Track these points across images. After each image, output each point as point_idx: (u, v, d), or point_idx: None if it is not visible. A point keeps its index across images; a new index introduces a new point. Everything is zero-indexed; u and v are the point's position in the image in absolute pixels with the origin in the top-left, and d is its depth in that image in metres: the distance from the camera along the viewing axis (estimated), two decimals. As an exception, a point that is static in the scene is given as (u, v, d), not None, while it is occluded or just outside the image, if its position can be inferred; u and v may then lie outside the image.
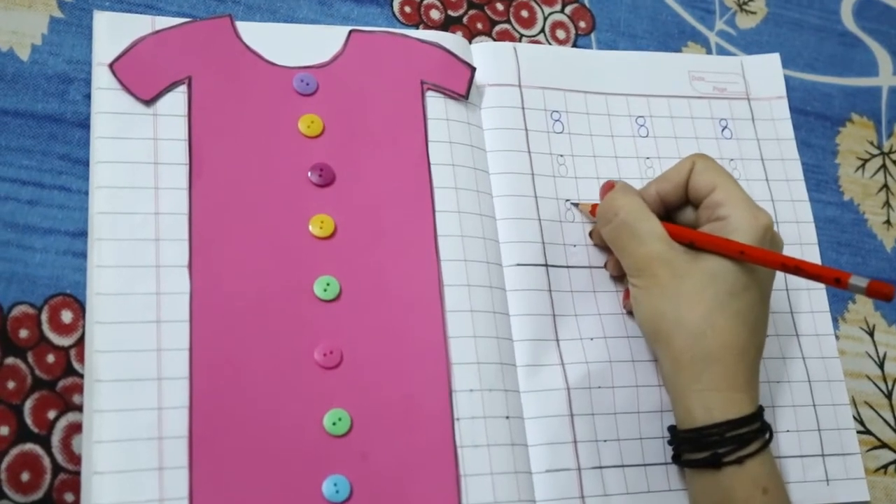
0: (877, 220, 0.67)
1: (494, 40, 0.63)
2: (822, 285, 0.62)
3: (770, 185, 0.63)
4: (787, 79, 0.68)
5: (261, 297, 0.51)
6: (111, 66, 0.53)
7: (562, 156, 0.60)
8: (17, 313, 0.48)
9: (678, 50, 0.68)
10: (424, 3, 0.63)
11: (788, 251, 0.53)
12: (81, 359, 0.48)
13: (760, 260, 0.50)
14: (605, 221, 0.54)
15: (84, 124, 0.53)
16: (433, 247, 0.54)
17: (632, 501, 0.53)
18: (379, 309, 0.52)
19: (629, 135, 0.62)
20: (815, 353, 0.60)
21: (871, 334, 0.64)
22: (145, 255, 0.50)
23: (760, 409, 0.50)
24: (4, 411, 0.47)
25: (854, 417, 0.60)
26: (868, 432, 0.61)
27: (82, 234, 0.50)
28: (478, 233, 0.55)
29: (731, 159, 0.63)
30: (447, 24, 0.63)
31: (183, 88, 0.53)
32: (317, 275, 0.52)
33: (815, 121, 0.69)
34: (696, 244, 0.51)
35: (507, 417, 0.52)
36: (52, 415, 0.47)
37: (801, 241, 0.63)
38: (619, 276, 0.57)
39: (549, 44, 0.65)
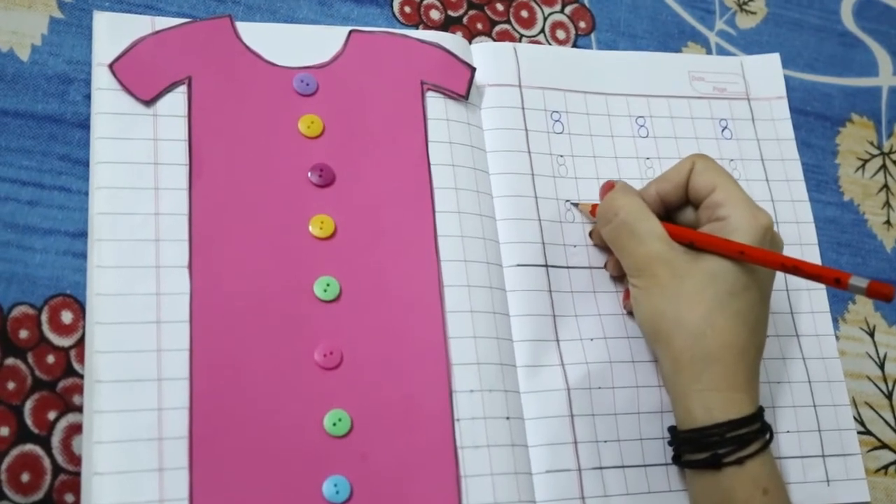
0: (877, 220, 0.67)
1: (494, 40, 0.63)
2: (822, 286, 0.62)
3: (770, 186, 0.63)
4: (787, 79, 0.68)
5: (261, 298, 0.51)
6: (111, 66, 0.53)
7: (562, 156, 0.60)
8: (17, 314, 0.48)
9: (678, 50, 0.68)
10: (424, 3, 0.63)
11: (788, 251, 0.53)
12: (81, 359, 0.48)
13: (760, 260, 0.50)
14: (604, 221, 0.54)
15: (84, 125, 0.53)
16: (433, 247, 0.54)
17: (632, 502, 0.53)
18: (379, 309, 0.52)
19: (629, 135, 0.62)
20: (815, 354, 0.60)
21: (872, 335, 0.64)
22: (145, 255, 0.50)
23: (761, 410, 0.50)
24: (4, 412, 0.47)
25: (854, 418, 0.60)
26: (868, 433, 0.61)
27: (82, 234, 0.50)
28: (478, 233, 0.55)
29: (731, 159, 0.63)
30: (447, 25, 0.63)
31: (183, 89, 0.53)
32: (317, 275, 0.52)
33: (815, 121, 0.69)
34: (696, 244, 0.51)
35: (508, 418, 0.52)
36: (52, 415, 0.47)
37: (801, 242, 0.63)
38: (619, 277, 0.57)
39: (549, 44, 0.65)
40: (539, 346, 0.55)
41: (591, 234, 0.58)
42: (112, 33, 0.54)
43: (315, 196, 0.53)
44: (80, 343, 0.49)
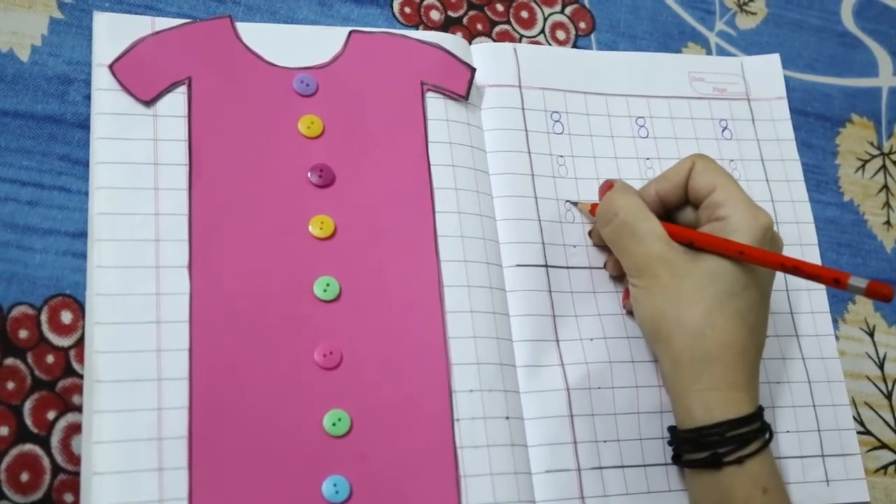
0: (877, 220, 0.67)
1: (494, 41, 0.63)
2: (822, 286, 0.62)
3: (770, 186, 0.63)
4: (787, 79, 0.68)
5: (261, 298, 0.51)
6: (111, 66, 0.53)
7: (562, 156, 0.60)
8: (16, 314, 0.49)
9: (678, 50, 0.68)
10: (424, 3, 0.63)
11: (788, 252, 0.53)
12: (81, 359, 0.48)
13: (760, 260, 0.50)
14: (604, 221, 0.54)
15: (84, 125, 0.53)
16: (433, 247, 0.54)
17: (631, 502, 0.53)
18: (379, 309, 0.52)
19: (629, 135, 0.62)
20: (814, 354, 0.60)
21: (871, 335, 0.64)
22: (145, 255, 0.50)
23: (760, 409, 0.50)
24: (4, 412, 0.47)
25: (854, 418, 0.60)
26: (868, 433, 0.61)
27: (82, 234, 0.50)
28: (478, 233, 0.55)
29: (731, 160, 0.63)
30: (447, 25, 0.63)
31: (183, 89, 0.54)
32: (317, 275, 0.52)
33: (815, 121, 0.69)
34: (696, 244, 0.51)
35: (507, 418, 0.52)
36: (51, 415, 0.47)
37: (801, 242, 0.63)
38: (619, 276, 0.57)
39: (549, 44, 0.65)
40: (539, 346, 0.55)
41: (590, 233, 0.58)
42: (112, 34, 0.54)
43: (315, 196, 0.54)
44: (80, 343, 0.49)
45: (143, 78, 0.53)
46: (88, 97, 0.53)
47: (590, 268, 0.58)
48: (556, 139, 0.60)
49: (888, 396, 0.62)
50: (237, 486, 0.47)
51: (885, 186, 0.69)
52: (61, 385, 0.48)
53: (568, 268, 0.57)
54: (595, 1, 0.67)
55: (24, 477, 0.46)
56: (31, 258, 0.50)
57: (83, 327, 0.49)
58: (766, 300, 0.52)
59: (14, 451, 0.46)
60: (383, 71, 0.57)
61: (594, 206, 0.56)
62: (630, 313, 0.57)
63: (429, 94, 0.58)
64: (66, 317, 0.49)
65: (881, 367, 0.63)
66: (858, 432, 0.60)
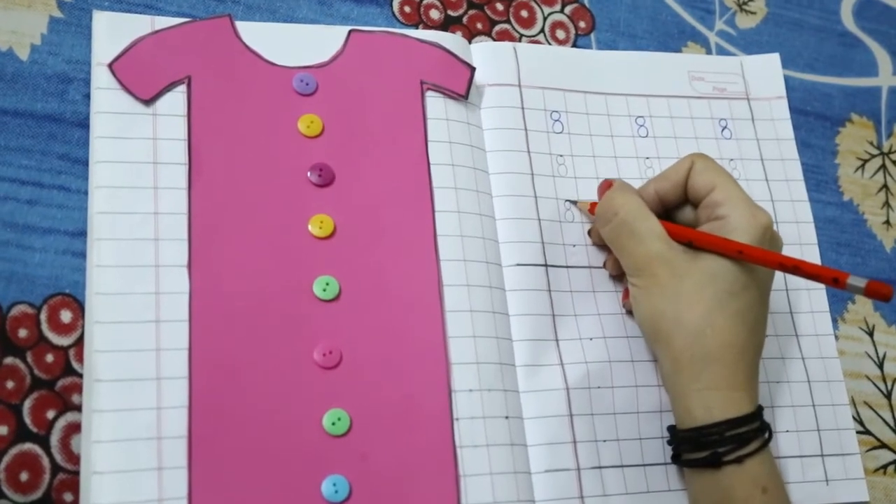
0: (876, 220, 0.67)
1: (494, 40, 0.63)
2: (821, 285, 0.62)
3: (770, 186, 0.63)
4: (787, 79, 0.68)
5: (260, 297, 0.51)
6: (110, 65, 0.53)
7: (561, 156, 0.60)
8: (16, 313, 0.48)
9: (678, 50, 0.68)
10: (424, 2, 0.63)
11: (788, 251, 0.53)
12: (80, 358, 0.48)
13: (759, 259, 0.50)
14: (604, 221, 0.54)
15: (83, 124, 0.53)
16: (433, 247, 0.54)
17: (631, 501, 0.53)
18: (378, 309, 0.52)
19: (629, 135, 0.62)
20: (814, 354, 0.60)
21: (871, 334, 0.64)
22: (145, 254, 0.50)
23: (760, 409, 0.50)
24: (3, 411, 0.47)
25: (853, 418, 0.60)
26: (867, 432, 0.61)
27: (81, 233, 0.50)
28: (477, 233, 0.55)
29: (731, 159, 0.63)
30: (447, 24, 0.63)
31: (182, 88, 0.53)
32: (316, 275, 0.52)
33: (815, 121, 0.69)
34: (695, 243, 0.51)
35: (507, 417, 0.52)
36: (51, 414, 0.47)
37: (801, 242, 0.63)
38: (618, 276, 0.57)
39: (549, 44, 0.65)
40: (538, 345, 0.55)
41: (589, 232, 0.58)
42: (111, 33, 0.54)
43: (314, 195, 0.53)
44: (80, 342, 0.49)
45: (142, 77, 0.53)
46: (88, 96, 0.53)
47: (589, 267, 0.58)
48: (555, 138, 0.60)
49: (888, 396, 0.62)
50: (237, 486, 0.47)
51: (885, 186, 0.69)
52: (61, 384, 0.48)
53: (567, 267, 0.57)
54: (595, 0, 0.67)
55: (24, 476, 0.46)
56: (30, 257, 0.50)
57: (83, 326, 0.49)
58: (765, 300, 0.52)
59: (13, 451, 0.46)
60: (383, 70, 0.57)
61: (593, 205, 0.56)
62: (629, 313, 0.57)
63: (428, 94, 0.58)
64: (66, 316, 0.49)
65: (881, 366, 0.63)
66: (858, 432, 0.60)
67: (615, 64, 0.64)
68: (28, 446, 0.47)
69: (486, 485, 0.50)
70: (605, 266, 0.58)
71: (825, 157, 0.68)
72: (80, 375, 0.48)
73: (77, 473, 0.47)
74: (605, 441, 0.54)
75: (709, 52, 0.68)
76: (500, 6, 0.65)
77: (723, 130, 0.64)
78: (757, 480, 0.48)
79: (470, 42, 0.62)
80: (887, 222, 0.68)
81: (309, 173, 0.54)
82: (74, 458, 0.47)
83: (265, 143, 0.54)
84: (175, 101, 0.53)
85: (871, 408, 0.62)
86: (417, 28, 0.62)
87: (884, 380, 0.63)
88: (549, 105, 0.61)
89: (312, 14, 0.60)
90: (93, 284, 0.49)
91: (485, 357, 0.53)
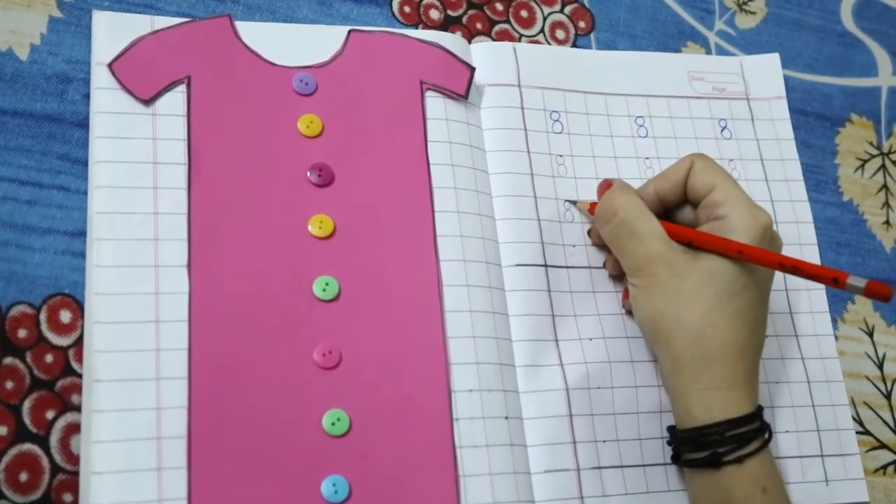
0: (876, 220, 0.67)
1: (494, 40, 0.63)
2: (821, 286, 0.62)
3: (769, 186, 0.63)
4: (787, 79, 0.68)
5: (260, 297, 0.50)
6: (110, 65, 0.53)
7: (561, 156, 0.60)
8: (15, 313, 0.48)
9: (678, 50, 0.68)
10: (424, 2, 0.63)
11: (788, 251, 0.53)
12: (80, 359, 0.48)
13: (759, 259, 0.50)
14: (603, 221, 0.54)
15: (83, 124, 0.53)
16: (432, 247, 0.54)
17: (631, 502, 0.53)
18: (378, 309, 0.52)
19: (628, 135, 0.62)
20: (814, 354, 0.60)
21: (871, 335, 0.64)
22: (144, 254, 0.50)
23: (760, 409, 0.50)
24: (3, 411, 0.47)
25: (853, 418, 0.60)
26: (867, 433, 0.61)
27: (81, 233, 0.50)
28: (477, 233, 0.55)
29: (731, 159, 0.63)
30: (446, 24, 0.63)
31: (182, 88, 0.53)
32: (316, 275, 0.52)
33: (815, 121, 0.68)
34: (695, 243, 0.51)
35: (507, 418, 0.52)
36: (50, 415, 0.47)
37: (801, 242, 0.63)
38: (618, 276, 0.57)
39: (549, 44, 0.65)
40: (538, 345, 0.55)
41: (589, 232, 0.58)
42: (111, 33, 0.54)
43: (314, 195, 0.53)
44: (79, 342, 0.49)
45: (142, 77, 0.53)
46: (87, 96, 0.53)
47: (589, 267, 0.58)
48: (555, 138, 0.60)
49: (887, 396, 0.62)
50: (236, 486, 0.47)
51: (885, 186, 0.69)
52: (60, 384, 0.48)
53: (567, 267, 0.57)
54: (594, 0, 0.67)
55: (23, 477, 0.46)
56: (30, 257, 0.49)
57: (82, 327, 0.49)
58: (765, 299, 0.52)
59: (13, 451, 0.46)
60: (383, 70, 0.57)
61: (593, 205, 0.56)
62: (629, 313, 0.57)
63: (428, 94, 0.58)
64: (65, 316, 0.49)
65: (880, 366, 0.63)
66: (858, 432, 0.60)
67: (615, 64, 0.64)
68: (27, 447, 0.47)
69: (485, 485, 0.50)
70: (604, 266, 0.58)
71: (825, 157, 0.68)
72: (80, 376, 0.48)
73: (76, 474, 0.47)
74: (604, 441, 0.54)
75: (708, 52, 0.68)
76: (499, 6, 0.65)
77: (722, 130, 0.64)
78: (757, 480, 0.48)
79: (470, 42, 0.62)
80: (887, 222, 0.68)
81: (308, 173, 0.54)
82: (74, 459, 0.47)
83: (265, 143, 0.54)
84: (175, 100, 0.53)
85: (870, 408, 0.62)
86: (417, 28, 0.62)
87: (883, 380, 0.63)
88: (549, 105, 0.61)
89: (312, 14, 0.60)
90: (92, 284, 0.49)
91: (484, 357, 0.53)
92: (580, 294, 0.57)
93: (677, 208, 0.55)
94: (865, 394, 0.62)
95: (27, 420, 0.47)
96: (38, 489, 0.46)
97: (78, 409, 0.47)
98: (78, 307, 0.49)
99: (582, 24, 0.66)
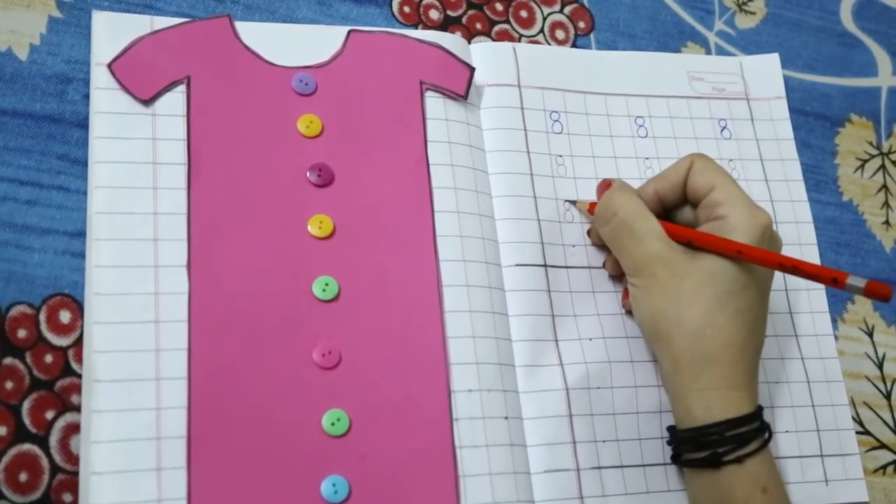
0: (876, 220, 0.67)
1: (493, 40, 0.63)
2: (821, 286, 0.62)
3: (769, 186, 0.63)
4: (787, 79, 0.68)
5: (259, 298, 0.50)
6: (110, 66, 0.53)
7: (561, 156, 0.60)
8: (15, 313, 0.48)
9: (677, 50, 0.68)
10: (423, 3, 0.63)
11: (787, 251, 0.53)
12: (80, 359, 0.48)
13: (758, 259, 0.50)
14: (603, 221, 0.54)
15: (83, 124, 0.53)
16: (432, 247, 0.54)
17: (630, 502, 0.53)
18: (378, 309, 0.52)
19: (628, 135, 0.62)
20: (814, 354, 0.60)
21: (871, 335, 0.64)
22: (144, 255, 0.50)
23: (760, 408, 0.50)
24: (2, 411, 0.47)
25: (853, 418, 0.60)
26: (867, 433, 0.61)
27: (81, 234, 0.50)
28: (477, 233, 0.55)
29: (731, 159, 0.63)
30: (446, 24, 0.63)
31: (182, 88, 0.53)
32: (315, 275, 0.52)
33: (815, 121, 0.69)
34: (695, 243, 0.51)
35: (506, 418, 0.52)
36: (50, 415, 0.47)
37: (801, 242, 0.63)
38: (618, 276, 0.57)
39: (549, 44, 0.65)
40: (538, 345, 0.55)
41: (589, 232, 0.58)
42: (111, 33, 0.54)
43: (314, 196, 0.53)
44: (79, 343, 0.49)
45: (141, 77, 0.53)
46: (87, 96, 0.53)
47: (589, 267, 0.58)
48: (555, 139, 0.60)
49: (887, 396, 0.62)
50: (236, 486, 0.47)
51: (885, 186, 0.69)
52: (60, 385, 0.48)
53: (567, 267, 0.57)
54: (594, 0, 0.67)
55: (23, 477, 0.46)
56: (29, 257, 0.49)
57: (82, 327, 0.49)
58: (765, 299, 0.52)
59: (12, 451, 0.46)
60: (382, 70, 0.57)
61: (593, 205, 0.56)
62: (629, 313, 0.57)
63: (428, 94, 0.58)
64: (65, 316, 0.49)
65: (880, 367, 0.63)
66: (857, 432, 0.60)
67: (614, 64, 0.64)
68: (27, 447, 0.47)
69: (485, 485, 0.50)
70: (604, 266, 0.58)
71: (824, 157, 0.68)
72: (80, 376, 0.48)
73: (76, 474, 0.47)
74: (604, 441, 0.54)
75: (708, 52, 0.68)
76: (499, 6, 0.65)
77: (722, 131, 0.64)
78: (757, 480, 0.48)
79: (469, 42, 0.62)
80: (887, 222, 0.68)
81: (308, 173, 0.54)
82: (73, 459, 0.47)
83: (264, 144, 0.54)
84: (174, 101, 0.53)
85: (870, 408, 0.62)
86: (417, 28, 0.62)
87: (883, 380, 0.63)
88: (549, 105, 0.61)
89: (312, 14, 0.60)
90: (92, 285, 0.49)
91: (484, 357, 0.53)
92: (580, 294, 0.57)
93: (677, 208, 0.55)
94: (865, 394, 0.62)
95: (27, 420, 0.47)
96: (37, 489, 0.46)
97: (77, 409, 0.47)
98: (77, 307, 0.49)
99: (582, 25, 0.66)
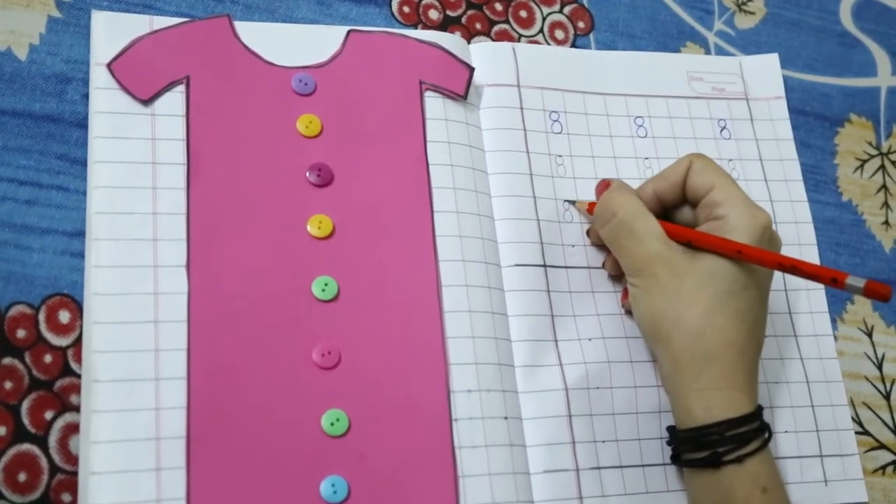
0: (875, 220, 0.67)
1: (493, 40, 0.63)
2: (820, 286, 0.62)
3: (769, 186, 0.63)
4: (786, 79, 0.68)
5: (259, 298, 0.50)
6: (109, 65, 0.53)
7: (560, 156, 0.60)
8: (14, 313, 0.48)
9: (677, 50, 0.68)
10: (423, 2, 0.63)
11: (787, 251, 0.53)
12: (79, 359, 0.48)
13: (758, 259, 0.50)
14: (602, 221, 0.54)
15: (82, 124, 0.53)
16: (431, 247, 0.54)
17: (630, 502, 0.53)
18: (377, 309, 0.52)
19: (628, 135, 0.62)
20: (813, 354, 0.60)
21: (870, 335, 0.64)
22: (143, 255, 0.50)
23: (760, 408, 0.50)
24: (1, 411, 0.47)
25: (852, 418, 0.60)
26: (866, 433, 0.61)
27: (80, 234, 0.50)
28: (476, 233, 0.55)
29: (730, 159, 0.63)
30: (446, 24, 0.63)
31: (181, 88, 0.53)
32: (315, 275, 0.52)
33: (814, 121, 0.69)
34: (695, 243, 0.51)
35: (506, 418, 0.52)
36: (49, 415, 0.47)
37: (800, 242, 0.63)
38: (618, 276, 0.57)
39: (548, 44, 0.65)
40: (537, 346, 0.54)
41: (588, 232, 0.58)
42: (110, 33, 0.54)
43: (313, 196, 0.53)
44: (78, 343, 0.49)
45: (141, 77, 0.53)
46: (86, 96, 0.53)
47: (588, 267, 0.58)
48: (554, 139, 0.60)
49: (886, 397, 0.62)
50: (235, 486, 0.47)
51: (884, 186, 0.69)
52: (59, 385, 0.48)
53: (566, 267, 0.57)
54: (594, 0, 0.67)
55: (22, 477, 0.46)
56: (28, 257, 0.49)
57: (81, 327, 0.49)
58: (764, 299, 0.52)
59: (12, 451, 0.46)
60: (382, 70, 0.57)
61: (592, 205, 0.56)
62: (629, 313, 0.57)
63: (427, 94, 0.58)
64: (64, 316, 0.49)
65: (879, 367, 0.63)
66: (857, 432, 0.60)
67: (614, 64, 0.64)
68: (26, 447, 0.47)
69: (484, 485, 0.50)
70: (603, 266, 0.58)
71: (824, 157, 0.68)
72: (79, 376, 0.48)
73: (75, 474, 0.47)
74: (603, 442, 0.54)
75: (708, 52, 0.68)
76: (498, 6, 0.65)
77: (721, 131, 0.64)
78: (757, 480, 0.48)
79: (469, 42, 0.62)
80: (886, 223, 0.68)
81: (308, 173, 0.54)
82: (73, 459, 0.47)
83: (264, 143, 0.54)
84: (174, 101, 0.53)
85: (869, 408, 0.62)
86: (416, 28, 0.62)
87: (883, 380, 0.63)
88: (548, 105, 0.61)
89: (311, 14, 0.60)
90: (91, 285, 0.49)
91: (484, 358, 0.53)
92: (579, 294, 0.57)
93: (676, 208, 0.55)
94: (864, 394, 0.62)
95: (26, 420, 0.47)
96: (36, 489, 0.46)
97: (77, 409, 0.47)
98: (77, 307, 0.49)
99: (581, 25, 0.66)
